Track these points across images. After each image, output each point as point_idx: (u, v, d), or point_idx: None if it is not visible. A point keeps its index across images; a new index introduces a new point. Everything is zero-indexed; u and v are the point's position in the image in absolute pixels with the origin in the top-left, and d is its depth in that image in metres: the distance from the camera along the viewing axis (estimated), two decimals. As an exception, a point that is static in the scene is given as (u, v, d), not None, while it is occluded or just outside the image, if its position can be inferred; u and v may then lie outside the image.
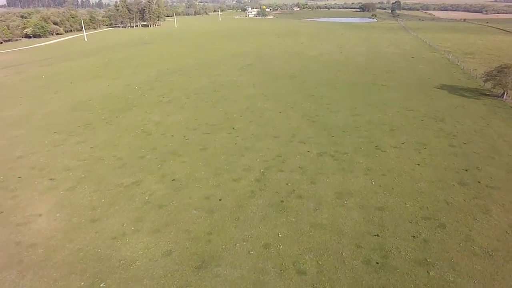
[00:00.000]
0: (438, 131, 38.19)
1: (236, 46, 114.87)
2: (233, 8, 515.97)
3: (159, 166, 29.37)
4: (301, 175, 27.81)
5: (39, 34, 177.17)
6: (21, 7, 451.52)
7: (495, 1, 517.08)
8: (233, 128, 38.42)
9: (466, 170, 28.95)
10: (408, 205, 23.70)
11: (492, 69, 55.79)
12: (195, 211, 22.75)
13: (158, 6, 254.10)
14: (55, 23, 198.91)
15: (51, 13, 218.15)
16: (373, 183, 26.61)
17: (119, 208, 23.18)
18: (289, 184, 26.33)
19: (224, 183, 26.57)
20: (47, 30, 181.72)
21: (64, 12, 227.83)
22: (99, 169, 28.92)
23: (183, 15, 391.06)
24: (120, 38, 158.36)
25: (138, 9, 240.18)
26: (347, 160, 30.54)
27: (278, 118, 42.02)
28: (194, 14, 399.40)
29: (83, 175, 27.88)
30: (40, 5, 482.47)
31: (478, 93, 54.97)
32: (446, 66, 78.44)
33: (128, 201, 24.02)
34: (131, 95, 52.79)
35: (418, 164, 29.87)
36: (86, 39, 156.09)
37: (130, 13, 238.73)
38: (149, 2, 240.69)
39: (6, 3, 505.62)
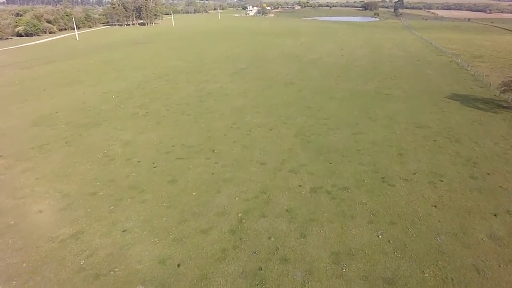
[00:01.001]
0: (455, 156, 32.32)
1: (231, 47, 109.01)
2: (233, 6, 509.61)
3: (111, 207, 23.56)
4: (289, 223, 22.00)
5: (31, 33, 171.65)
6: (19, 5, 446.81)
7: (499, 0, 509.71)
8: (213, 151, 32.61)
9: (495, 215, 23.13)
10: (426, 274, 17.91)
11: (511, 78, 49.95)
12: (141, 287, 16.99)
13: (156, 4, 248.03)
14: (49, 21, 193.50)
15: (45, 11, 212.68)
16: (380, 236, 20.80)
17: (41, 280, 17.44)
18: (272, 239, 20.53)
19: (189, 236, 20.76)
20: (39, 29, 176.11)
21: (58, 10, 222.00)
22: (36, 212, 23.14)
23: (183, 13, 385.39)
24: (113, 37, 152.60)
25: (135, 7, 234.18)
26: (347, 199, 24.70)
27: (267, 138, 36.17)
28: (194, 12, 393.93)
29: (12, 222, 22.13)
30: (39, 2, 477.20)
31: (494, 105, 49.02)
32: (455, 72, 72.47)
33: (57, 267, 18.28)
34: (106, 106, 47.00)
35: (435, 206, 24.03)
36: (77, 38, 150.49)
37: (127, 11, 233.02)
38: (146, 0, 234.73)
39: (5, 0, 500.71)
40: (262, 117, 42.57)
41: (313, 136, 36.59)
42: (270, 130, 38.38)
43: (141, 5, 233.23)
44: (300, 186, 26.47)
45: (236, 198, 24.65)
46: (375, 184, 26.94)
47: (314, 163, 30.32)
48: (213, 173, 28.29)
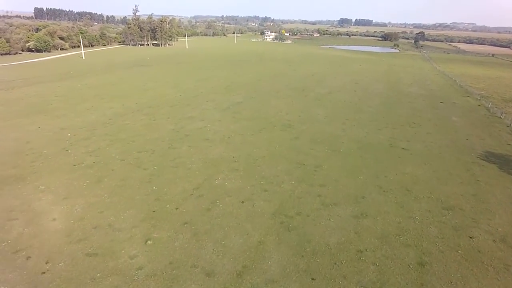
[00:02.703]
0: (504, 273, 21.44)
1: (236, 75, 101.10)
2: (253, 30, 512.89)
3: None
4: None
5: (41, 49, 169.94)
6: (47, 19, 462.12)
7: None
8: (147, 242, 22.64)
9: None
10: None
11: None
12: None
13: (172, 26, 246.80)
14: (62, 38, 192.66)
15: (60, 28, 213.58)
16: None
17: None
18: None
19: None
20: (50, 45, 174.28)
21: (73, 27, 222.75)
22: None
23: (202, 35, 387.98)
24: (120, 58, 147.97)
25: (150, 27, 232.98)
26: None
27: (234, 217, 26.10)
28: (213, 35, 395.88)
29: None
30: (65, 18, 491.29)
31: (544, 172, 37.94)
32: (486, 120, 61.60)
33: None
34: (50, 149, 38.04)
35: None
36: (83, 57, 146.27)
37: (142, 31, 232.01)
38: (161, 21, 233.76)
39: (33, 15, 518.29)
40: (238, 179, 32.63)
41: (298, 219, 26.27)
42: (242, 202, 28.32)
43: (156, 26, 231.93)
44: (253, 337, 16.04)
45: None
46: (380, 338, 16.27)
47: (288, 278, 19.92)
48: (124, 295, 18.17)
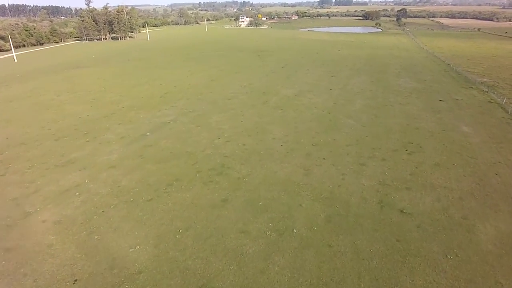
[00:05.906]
0: None
1: (188, 74, 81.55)
2: (230, 16, 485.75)
3: None
4: None
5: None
6: (10, 17, 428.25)
7: (503, 8, 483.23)
8: None
9: None
10: None
11: None
12: None
13: (131, 16, 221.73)
14: (1, 38, 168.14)
15: (2, 25, 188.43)
16: None
17: None
18: None
19: None
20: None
21: (17, 24, 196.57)
22: None
23: (173, 24, 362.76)
24: (62, 58, 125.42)
25: (107, 20, 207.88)
26: None
27: None
28: (185, 24, 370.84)
29: None
30: (31, 14, 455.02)
31: None
32: (508, 129, 44.00)
33: None
34: None
35: None
36: (16, 60, 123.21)
37: (97, 24, 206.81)
38: (118, 12, 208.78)
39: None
40: None
41: None
42: None
43: (113, 18, 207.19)
44: None
45: None
46: None
47: None
48: None
